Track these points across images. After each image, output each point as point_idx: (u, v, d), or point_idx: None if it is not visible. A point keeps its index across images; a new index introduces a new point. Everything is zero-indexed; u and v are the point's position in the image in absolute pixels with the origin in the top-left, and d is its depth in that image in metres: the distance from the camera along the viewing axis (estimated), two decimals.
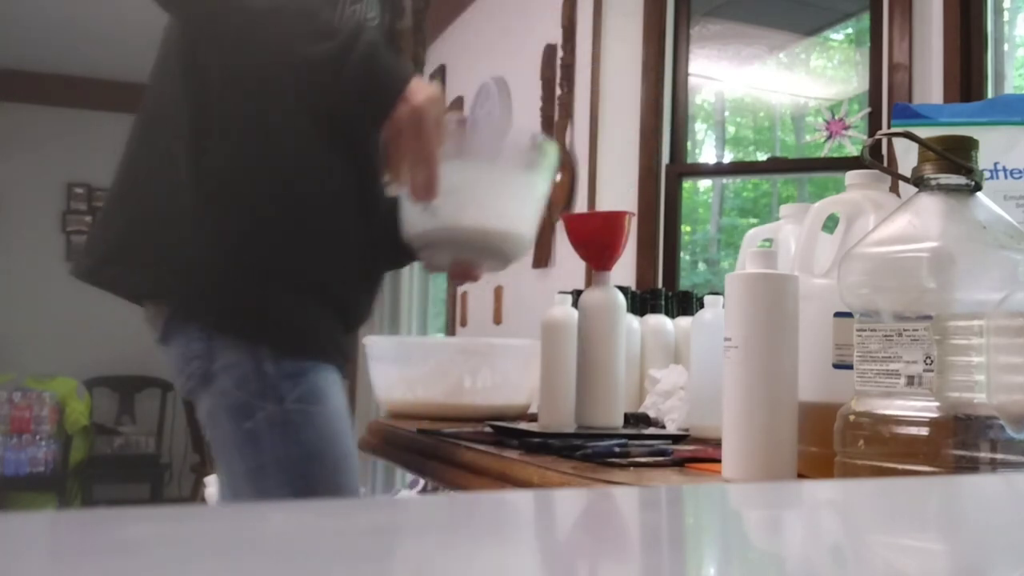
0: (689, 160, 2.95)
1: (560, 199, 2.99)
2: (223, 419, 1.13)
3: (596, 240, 1.31)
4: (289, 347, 1.13)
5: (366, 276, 1.25)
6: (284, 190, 1.15)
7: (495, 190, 1.09)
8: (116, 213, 1.20)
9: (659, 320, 1.59)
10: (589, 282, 2.73)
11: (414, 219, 1.10)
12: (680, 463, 1.01)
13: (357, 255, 1.21)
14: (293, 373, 1.13)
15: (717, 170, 3.60)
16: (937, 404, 0.71)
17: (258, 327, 1.13)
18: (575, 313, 1.39)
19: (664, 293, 1.64)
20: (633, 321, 1.56)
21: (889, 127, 1.02)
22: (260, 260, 1.13)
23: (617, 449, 1.04)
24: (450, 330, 3.89)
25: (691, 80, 2.95)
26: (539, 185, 1.12)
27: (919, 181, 0.78)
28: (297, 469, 1.13)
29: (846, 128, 2.49)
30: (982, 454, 0.70)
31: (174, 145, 1.15)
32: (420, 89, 1.04)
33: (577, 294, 1.66)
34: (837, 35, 3.47)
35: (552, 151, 1.15)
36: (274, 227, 1.14)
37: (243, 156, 1.14)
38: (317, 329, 1.16)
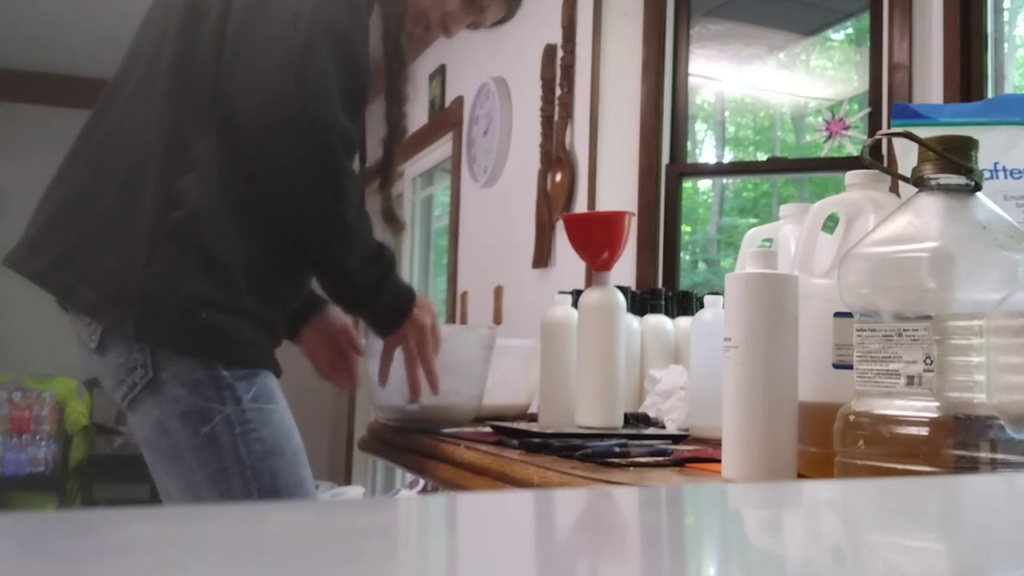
0: (689, 160, 2.95)
1: (560, 199, 2.99)
2: (177, 426, 1.15)
3: (596, 240, 1.31)
4: (239, 356, 1.18)
5: (290, 312, 1.32)
6: (241, 236, 1.19)
7: (456, 374, 1.41)
8: (71, 217, 1.21)
9: (659, 320, 1.59)
10: (589, 282, 2.73)
11: (396, 404, 1.42)
12: (680, 463, 1.01)
13: (289, 292, 1.29)
14: (246, 375, 1.17)
15: (717, 170, 3.59)
16: (937, 404, 0.71)
17: (209, 342, 1.16)
18: (575, 313, 1.39)
19: (664, 293, 1.64)
20: (633, 321, 1.56)
21: (889, 127, 1.02)
22: (211, 291, 1.16)
23: (617, 449, 1.04)
24: None
25: (691, 80, 2.95)
26: (486, 365, 1.46)
27: (919, 181, 0.78)
28: (261, 465, 1.16)
29: (846, 128, 2.49)
30: (982, 454, 0.70)
31: (145, 166, 1.18)
32: (424, 306, 1.31)
33: (577, 294, 1.66)
34: (837, 35, 3.47)
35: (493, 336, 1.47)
36: (226, 263, 1.17)
37: (212, 199, 1.17)
38: (259, 342, 1.21)
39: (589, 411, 1.26)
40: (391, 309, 1.29)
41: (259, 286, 1.20)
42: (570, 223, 1.36)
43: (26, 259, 1.23)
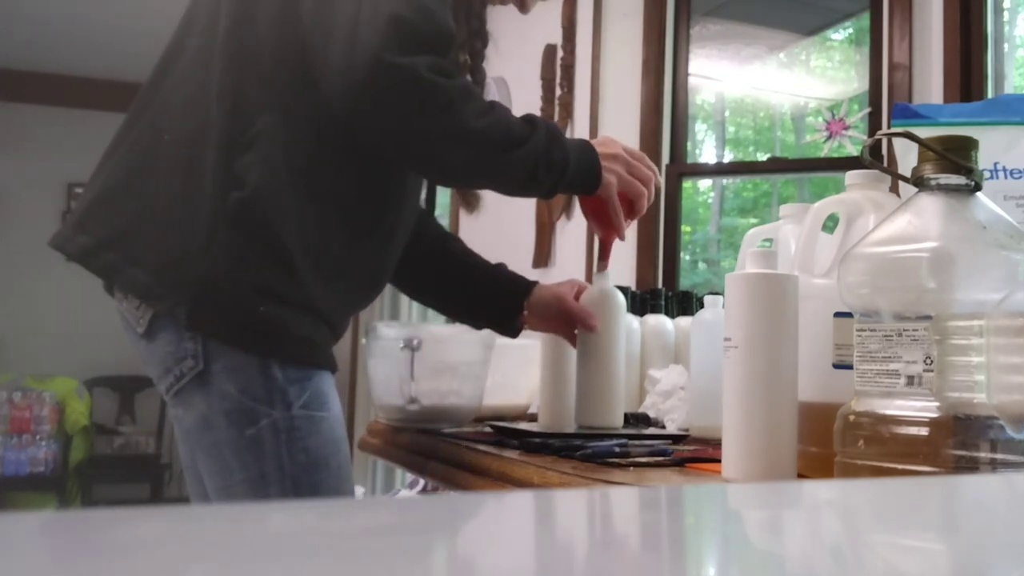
0: (689, 160, 2.95)
1: (560, 199, 2.99)
2: (221, 424, 1.09)
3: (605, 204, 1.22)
4: (296, 355, 1.11)
5: (356, 304, 1.26)
6: (306, 220, 1.12)
7: (456, 375, 1.43)
8: (122, 194, 1.14)
9: (659, 320, 1.59)
10: (589, 282, 2.72)
11: (396, 404, 1.42)
12: (680, 463, 1.01)
13: (356, 285, 1.22)
14: (299, 378, 1.11)
15: (717, 170, 3.60)
16: (937, 404, 0.71)
17: (266, 338, 1.10)
18: None
19: (664, 293, 1.64)
20: (633, 321, 1.56)
21: (889, 127, 1.02)
22: (273, 281, 1.09)
23: (617, 449, 1.04)
24: None
25: (691, 80, 2.95)
26: (486, 365, 1.46)
27: (919, 181, 0.78)
28: (302, 477, 1.10)
29: (846, 128, 2.49)
30: (982, 454, 0.70)
31: (202, 141, 1.11)
32: (607, 144, 1.21)
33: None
34: (837, 35, 3.47)
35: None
36: (289, 250, 1.10)
37: (275, 179, 1.10)
38: (317, 339, 1.14)
39: (589, 411, 1.26)
40: (583, 175, 1.17)
41: (322, 273, 1.13)
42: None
43: (72, 237, 1.14)
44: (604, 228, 1.28)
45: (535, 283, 1.38)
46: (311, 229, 1.12)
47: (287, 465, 1.09)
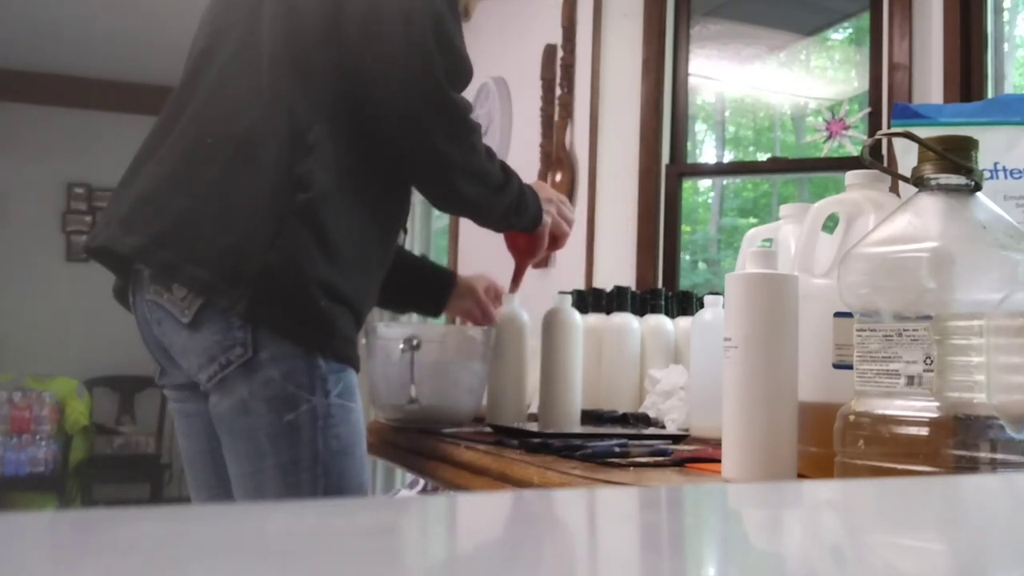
0: (689, 160, 2.95)
1: None
2: (261, 409, 1.13)
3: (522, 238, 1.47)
4: (340, 351, 1.17)
5: (373, 303, 1.33)
6: (352, 223, 1.19)
7: (456, 374, 1.46)
8: (168, 194, 1.17)
9: (659, 320, 1.59)
10: (589, 282, 2.73)
11: (396, 404, 1.42)
12: (680, 463, 1.02)
13: (378, 285, 1.31)
14: (337, 370, 1.17)
15: (717, 170, 3.59)
16: (937, 404, 0.71)
17: (319, 332, 1.15)
18: (575, 313, 1.39)
19: (664, 293, 1.64)
20: (633, 321, 1.56)
21: (889, 127, 1.02)
22: (332, 278, 1.15)
23: (617, 449, 1.04)
24: None
25: (691, 80, 2.95)
26: (487, 365, 1.48)
27: (919, 181, 0.78)
28: (332, 463, 1.15)
29: (846, 128, 2.49)
30: (982, 454, 0.70)
31: (257, 143, 1.15)
32: (543, 189, 1.46)
33: (578, 294, 1.67)
34: (837, 35, 3.47)
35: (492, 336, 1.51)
36: (341, 251, 1.17)
37: (333, 185, 1.17)
38: (354, 338, 1.21)
39: (494, 408, 1.43)
40: (532, 217, 1.41)
41: (363, 273, 1.21)
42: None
43: (120, 238, 1.17)
44: (522, 256, 1.51)
45: (455, 274, 1.58)
46: (355, 231, 1.20)
47: (321, 451, 1.14)
